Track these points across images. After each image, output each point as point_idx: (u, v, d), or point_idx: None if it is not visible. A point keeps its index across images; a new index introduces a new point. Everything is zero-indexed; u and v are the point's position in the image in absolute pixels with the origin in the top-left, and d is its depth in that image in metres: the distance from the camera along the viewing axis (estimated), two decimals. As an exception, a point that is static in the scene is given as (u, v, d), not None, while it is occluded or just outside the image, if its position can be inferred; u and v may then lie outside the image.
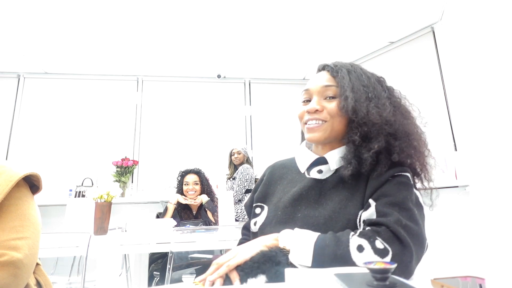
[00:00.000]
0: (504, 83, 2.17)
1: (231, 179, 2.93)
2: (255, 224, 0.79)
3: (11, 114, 3.42)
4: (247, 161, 2.96)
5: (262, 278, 0.59)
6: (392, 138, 0.72)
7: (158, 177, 3.50)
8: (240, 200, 2.77)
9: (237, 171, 2.88)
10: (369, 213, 0.65)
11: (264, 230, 0.76)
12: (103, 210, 1.53)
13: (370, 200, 0.67)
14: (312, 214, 0.70)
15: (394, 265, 0.45)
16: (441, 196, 2.55)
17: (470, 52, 2.41)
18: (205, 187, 2.43)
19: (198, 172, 2.45)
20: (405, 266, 0.58)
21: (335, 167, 0.76)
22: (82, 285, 1.51)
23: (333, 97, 0.76)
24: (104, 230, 1.54)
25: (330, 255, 0.58)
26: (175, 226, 1.91)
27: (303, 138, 0.91)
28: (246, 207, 0.90)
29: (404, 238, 0.58)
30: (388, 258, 0.57)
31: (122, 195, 3.36)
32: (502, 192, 2.11)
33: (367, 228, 0.62)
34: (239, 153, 2.92)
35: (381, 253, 0.57)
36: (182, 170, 2.49)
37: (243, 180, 2.76)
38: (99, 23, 2.70)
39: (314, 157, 0.80)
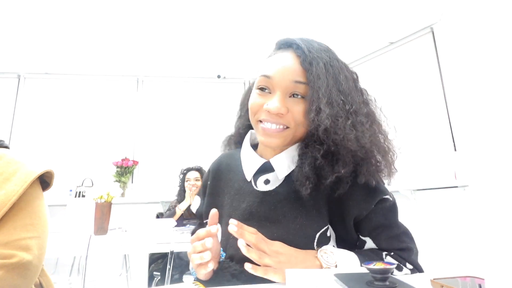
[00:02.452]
0: (504, 83, 2.17)
1: None
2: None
3: (11, 114, 3.41)
4: None
5: None
6: (360, 160, 0.60)
7: (158, 177, 3.50)
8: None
9: None
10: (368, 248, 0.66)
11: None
12: (103, 210, 1.53)
13: (365, 238, 0.64)
14: (266, 234, 0.59)
15: (394, 265, 0.45)
16: (440, 196, 2.56)
17: (470, 52, 2.41)
18: None
19: (199, 169, 2.52)
20: None
21: (284, 175, 0.64)
22: (82, 285, 1.51)
23: (301, 97, 0.61)
24: (104, 230, 1.53)
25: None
26: (175, 226, 1.91)
27: (245, 130, 0.79)
28: (201, 213, 0.76)
29: (416, 262, 0.63)
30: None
31: (122, 195, 3.36)
32: (502, 192, 2.11)
33: (392, 253, 0.62)
34: None
35: (412, 272, 0.61)
36: (184, 168, 2.53)
37: None
38: (99, 23, 2.70)
39: (260, 162, 0.67)
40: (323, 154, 0.58)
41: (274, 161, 0.65)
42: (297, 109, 0.61)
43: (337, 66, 0.64)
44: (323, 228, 0.61)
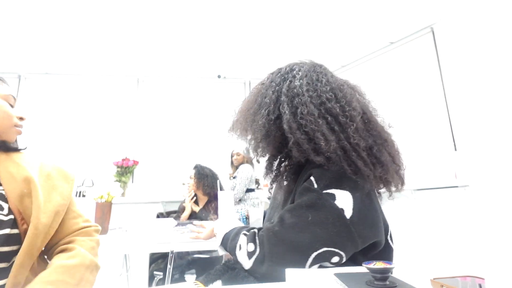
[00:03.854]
0: (504, 83, 2.17)
1: (231, 178, 2.96)
2: None
3: (11, 114, 3.42)
4: (248, 161, 2.97)
5: (218, 283, 0.75)
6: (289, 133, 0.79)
7: (159, 177, 3.50)
8: (240, 200, 2.78)
9: (237, 171, 2.90)
10: None
11: None
12: (104, 210, 1.53)
13: None
14: (273, 214, 0.85)
15: (393, 266, 0.45)
16: (441, 196, 2.56)
17: (470, 52, 2.41)
18: (203, 182, 2.43)
19: (194, 167, 2.50)
20: (259, 264, 0.65)
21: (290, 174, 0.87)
22: (83, 285, 1.50)
23: None
24: (104, 230, 1.53)
25: (227, 247, 0.76)
26: (176, 225, 1.91)
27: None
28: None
29: (263, 243, 0.66)
30: (253, 258, 0.66)
31: (123, 195, 3.36)
32: (502, 192, 2.11)
33: (255, 229, 0.73)
34: (238, 154, 2.94)
35: (250, 254, 0.67)
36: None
37: (244, 178, 2.78)
38: (99, 23, 2.70)
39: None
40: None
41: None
42: None
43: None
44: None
